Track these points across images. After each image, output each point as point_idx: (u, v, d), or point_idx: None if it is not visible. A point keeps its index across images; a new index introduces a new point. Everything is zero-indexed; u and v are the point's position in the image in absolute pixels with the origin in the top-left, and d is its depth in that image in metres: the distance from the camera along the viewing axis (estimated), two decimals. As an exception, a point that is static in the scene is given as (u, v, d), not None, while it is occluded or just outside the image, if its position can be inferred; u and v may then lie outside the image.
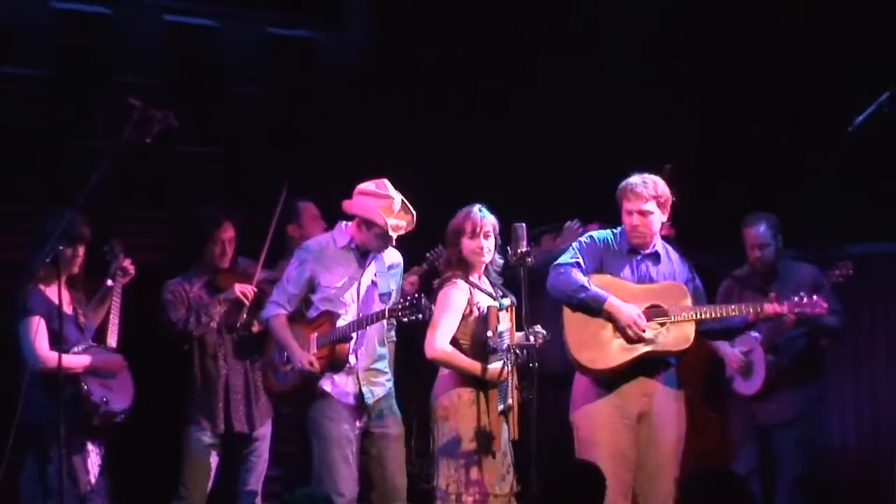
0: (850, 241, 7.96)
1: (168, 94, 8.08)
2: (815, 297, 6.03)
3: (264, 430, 6.55)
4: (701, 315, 5.87)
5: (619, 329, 5.84)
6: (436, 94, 8.56)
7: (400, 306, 5.74)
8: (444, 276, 5.86)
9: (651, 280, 5.97)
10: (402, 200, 5.95)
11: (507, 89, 8.75)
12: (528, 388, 5.56)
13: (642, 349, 5.84)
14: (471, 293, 5.81)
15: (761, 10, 8.19)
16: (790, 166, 8.18)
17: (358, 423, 5.98)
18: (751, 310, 5.99)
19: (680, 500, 4.76)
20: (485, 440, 5.72)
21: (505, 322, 5.78)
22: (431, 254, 6.83)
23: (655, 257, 6.01)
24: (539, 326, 5.61)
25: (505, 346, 5.67)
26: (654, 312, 5.85)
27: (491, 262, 5.90)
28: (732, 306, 6.01)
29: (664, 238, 6.18)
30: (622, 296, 5.86)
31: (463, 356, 5.78)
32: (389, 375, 6.13)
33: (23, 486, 6.09)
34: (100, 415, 6.07)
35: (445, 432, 5.77)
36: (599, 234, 6.08)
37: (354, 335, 5.93)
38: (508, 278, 5.92)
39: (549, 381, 5.79)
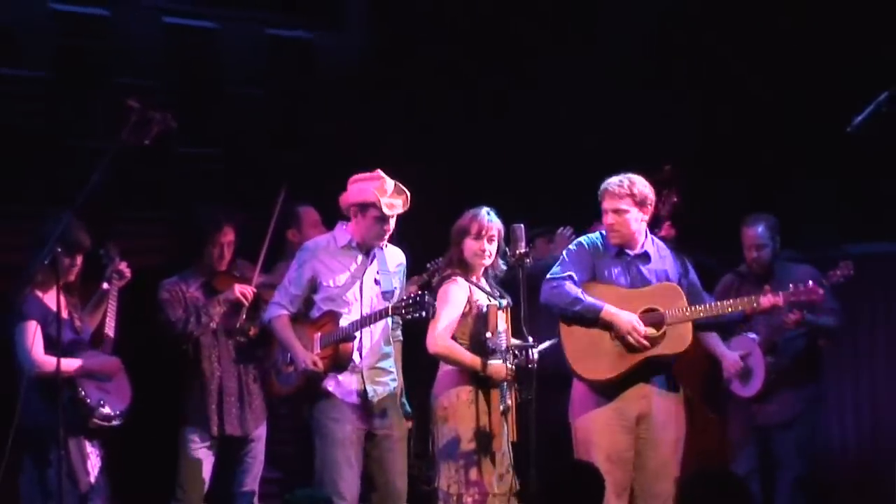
0: (849, 241, 7.96)
1: (167, 96, 8.06)
2: (810, 282, 5.99)
3: (259, 432, 6.54)
4: (697, 314, 5.86)
5: (619, 337, 5.83)
6: (435, 94, 8.55)
7: (403, 304, 5.72)
8: (444, 274, 5.86)
9: (644, 280, 5.96)
10: (396, 183, 5.94)
11: (507, 89, 8.75)
12: (527, 388, 5.57)
13: (642, 355, 5.83)
14: (470, 291, 5.82)
15: (761, 10, 8.18)
16: (789, 166, 8.18)
17: (362, 425, 5.95)
18: (747, 305, 5.96)
19: (680, 500, 4.76)
20: (484, 440, 5.73)
21: (502, 323, 5.78)
22: (432, 264, 6.79)
23: (645, 257, 6.00)
24: (535, 346, 5.60)
25: (503, 346, 5.68)
26: (650, 317, 5.84)
27: (492, 265, 5.90)
28: (728, 302, 5.98)
29: (664, 238, 6.18)
30: (617, 302, 5.85)
31: (465, 351, 5.79)
32: (394, 375, 6.10)
33: (22, 489, 6.10)
34: (97, 418, 6.07)
35: (445, 433, 5.78)
36: (587, 238, 6.08)
37: (358, 334, 5.91)
38: (508, 280, 5.91)
39: (548, 381, 5.80)
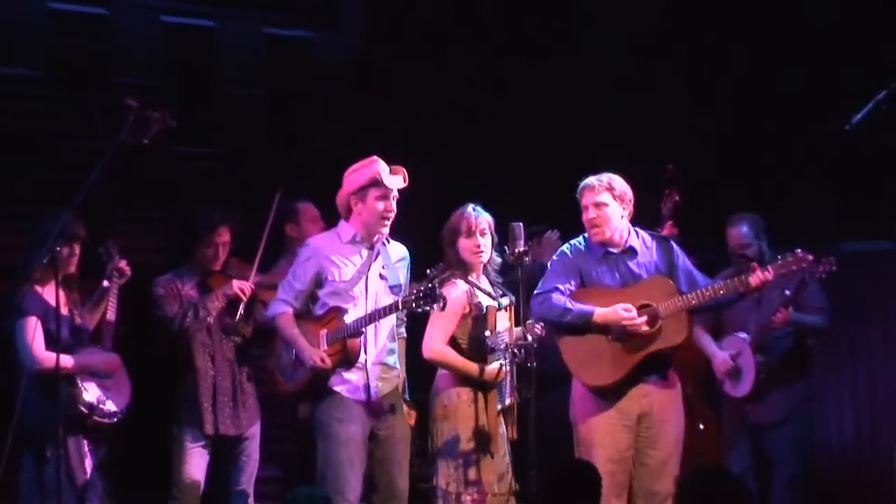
0: (846, 240, 7.97)
1: (165, 95, 8.08)
2: (798, 251, 5.89)
3: (253, 431, 6.54)
4: (690, 303, 5.84)
5: (617, 334, 5.82)
6: (433, 93, 8.56)
7: (413, 296, 5.67)
8: (443, 277, 5.86)
9: (634, 276, 5.95)
10: (392, 167, 5.95)
11: (506, 88, 8.75)
12: (527, 387, 5.57)
13: (642, 353, 5.83)
14: (470, 292, 5.82)
15: (761, 9, 8.19)
16: (789, 165, 8.19)
17: (366, 424, 5.92)
18: (738, 286, 5.91)
19: (679, 498, 4.76)
20: (484, 440, 5.73)
21: (504, 321, 5.78)
22: (432, 271, 6.77)
23: (631, 252, 5.99)
24: (534, 344, 5.60)
25: (503, 345, 5.68)
26: (644, 312, 5.83)
27: (489, 260, 5.90)
28: (719, 285, 5.90)
29: (666, 238, 6.17)
30: (609, 304, 5.84)
31: (459, 357, 5.78)
32: (398, 371, 6.07)
33: (21, 487, 6.10)
34: (97, 415, 6.08)
35: (444, 432, 5.78)
36: (569, 245, 6.06)
37: (365, 329, 5.88)
38: (510, 282, 5.91)
39: (548, 380, 5.80)
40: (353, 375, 5.93)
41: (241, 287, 6.41)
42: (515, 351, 5.60)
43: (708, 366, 7.08)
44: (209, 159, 8.57)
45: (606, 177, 5.96)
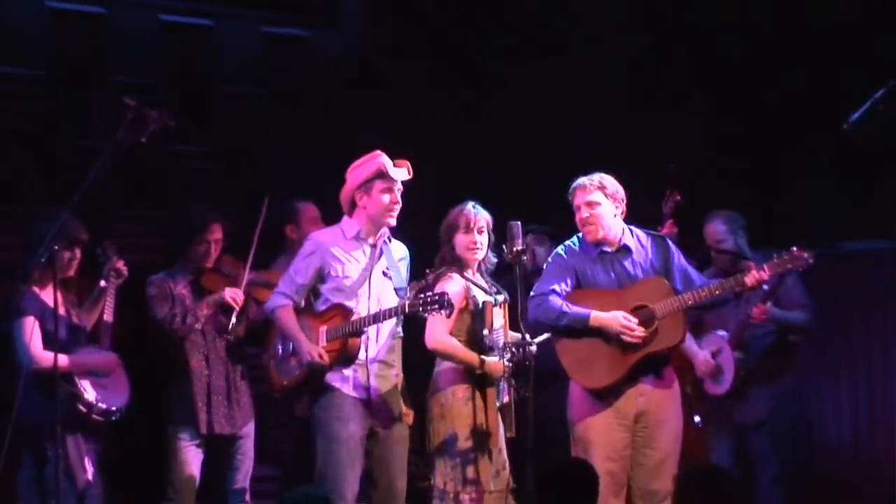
0: (846, 239, 7.97)
1: (163, 94, 8.08)
2: (794, 248, 5.83)
3: (248, 429, 6.53)
4: (686, 303, 5.83)
5: (613, 339, 5.82)
6: (431, 92, 8.56)
7: (421, 301, 5.63)
8: (439, 271, 5.86)
9: (629, 275, 5.92)
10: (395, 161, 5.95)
11: (505, 87, 8.75)
12: (524, 385, 5.56)
13: (638, 354, 5.82)
14: (466, 287, 5.82)
15: (761, 9, 8.19)
16: (788, 165, 8.19)
17: (365, 422, 5.89)
18: (733, 285, 5.89)
19: (677, 497, 4.76)
20: (481, 438, 5.72)
21: (498, 319, 5.78)
22: (431, 271, 6.76)
23: (626, 251, 5.96)
24: (532, 343, 5.59)
25: (501, 343, 5.68)
26: (640, 314, 5.81)
27: (484, 259, 5.90)
28: (715, 285, 5.86)
29: (662, 236, 6.16)
30: (605, 305, 5.82)
31: (462, 347, 5.78)
32: (397, 370, 6.05)
33: (20, 487, 6.09)
34: (95, 414, 6.08)
35: (441, 431, 5.77)
36: (563, 246, 6.04)
37: (367, 330, 5.85)
38: (507, 284, 5.91)
39: (545, 378, 5.80)
40: (353, 373, 5.90)
41: (234, 296, 6.38)
42: (513, 350, 5.59)
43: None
44: (207, 158, 8.58)
45: (598, 176, 5.95)
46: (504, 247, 5.68)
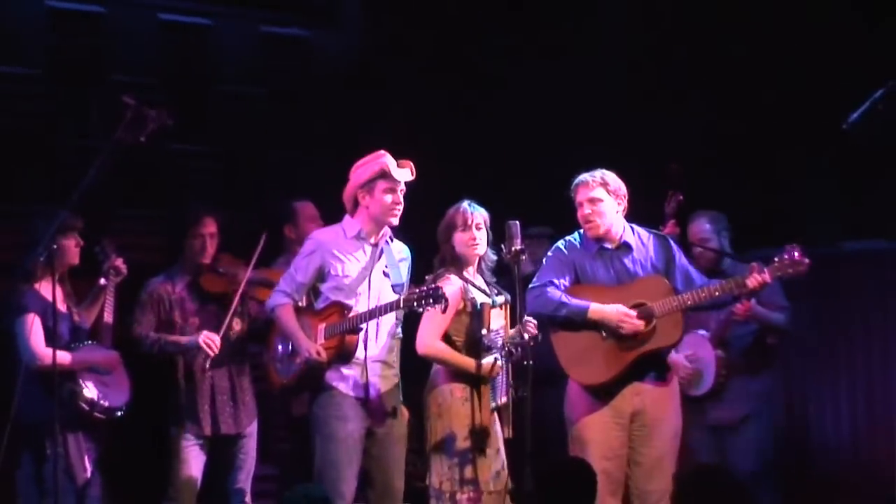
0: (846, 239, 7.96)
1: (162, 93, 8.08)
2: (795, 253, 5.81)
3: (251, 429, 6.52)
4: (685, 303, 5.82)
5: (612, 331, 5.81)
6: (431, 92, 8.56)
7: (416, 295, 5.64)
8: (438, 272, 5.86)
9: (629, 273, 5.92)
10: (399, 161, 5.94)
11: (505, 87, 8.75)
12: (523, 385, 5.56)
13: (635, 352, 5.82)
14: (464, 288, 5.81)
15: (762, 9, 8.19)
16: (788, 165, 8.18)
17: (364, 421, 5.89)
18: (734, 287, 5.88)
19: (676, 497, 4.75)
20: (478, 438, 5.71)
21: (499, 319, 5.78)
22: (431, 276, 6.75)
23: (626, 248, 5.96)
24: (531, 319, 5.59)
25: (499, 343, 5.67)
26: (639, 312, 5.81)
27: (484, 257, 5.90)
28: (715, 287, 5.86)
29: (663, 235, 6.16)
30: (603, 302, 5.81)
31: (454, 352, 5.77)
32: (396, 370, 6.04)
33: (19, 485, 6.09)
34: (97, 412, 6.08)
35: (439, 430, 5.76)
36: (563, 241, 6.04)
37: (364, 326, 5.84)
38: (507, 286, 5.91)
39: (544, 378, 5.79)
40: (352, 372, 5.89)
41: (207, 342, 6.32)
42: (511, 349, 5.59)
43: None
44: (205, 157, 8.58)
45: (600, 173, 5.95)
46: (503, 246, 5.68)
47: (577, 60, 8.57)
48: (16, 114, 8.11)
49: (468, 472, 5.69)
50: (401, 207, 5.94)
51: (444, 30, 8.70)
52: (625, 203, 5.96)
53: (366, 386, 5.89)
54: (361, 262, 5.96)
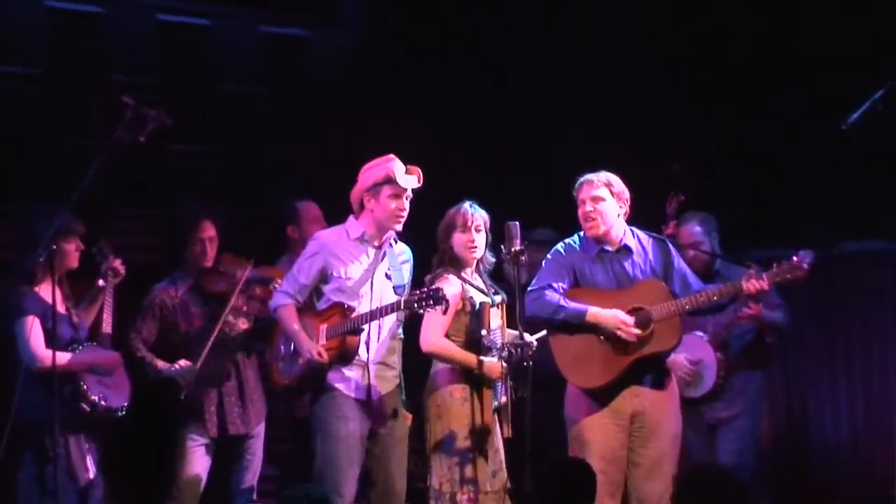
0: (845, 240, 7.96)
1: (161, 93, 8.08)
2: (793, 258, 5.80)
3: (259, 429, 6.52)
4: (683, 308, 5.82)
5: (609, 336, 5.81)
6: (429, 92, 8.55)
7: (416, 297, 5.62)
8: (436, 272, 5.85)
9: (628, 276, 5.91)
10: (408, 166, 5.92)
11: (503, 88, 8.74)
12: (522, 386, 5.56)
13: (633, 356, 5.81)
14: (462, 288, 5.81)
15: (761, 9, 8.19)
16: (787, 166, 8.18)
17: (366, 422, 5.88)
18: (731, 292, 5.88)
19: (676, 498, 4.75)
20: (478, 438, 5.71)
21: (497, 319, 5.77)
22: (429, 276, 6.75)
23: (626, 251, 5.95)
24: (530, 343, 5.58)
25: (499, 343, 5.67)
26: (637, 316, 5.80)
27: (482, 259, 5.89)
28: (714, 291, 5.85)
29: (663, 238, 6.15)
30: (601, 305, 5.81)
31: (458, 348, 5.78)
32: (398, 371, 6.03)
33: (20, 486, 6.08)
34: (98, 412, 6.08)
35: (438, 431, 5.76)
36: (563, 243, 6.03)
37: (366, 327, 5.84)
38: (507, 287, 5.90)
39: (543, 379, 5.78)
40: (353, 373, 5.89)
41: (179, 369, 6.31)
42: (511, 350, 5.58)
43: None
44: (205, 158, 8.58)
45: (605, 174, 5.95)
46: (503, 247, 5.68)
47: (578, 60, 8.57)
48: (15, 113, 8.11)
49: (468, 472, 5.69)
50: (405, 214, 5.92)
51: (443, 30, 8.70)
52: (626, 207, 5.95)
53: (367, 387, 5.88)
54: (364, 265, 5.95)
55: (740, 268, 6.43)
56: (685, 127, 8.28)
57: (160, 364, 6.35)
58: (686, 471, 5.63)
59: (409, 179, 5.89)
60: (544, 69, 8.62)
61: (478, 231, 5.85)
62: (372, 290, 5.91)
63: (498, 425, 5.79)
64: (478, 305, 5.78)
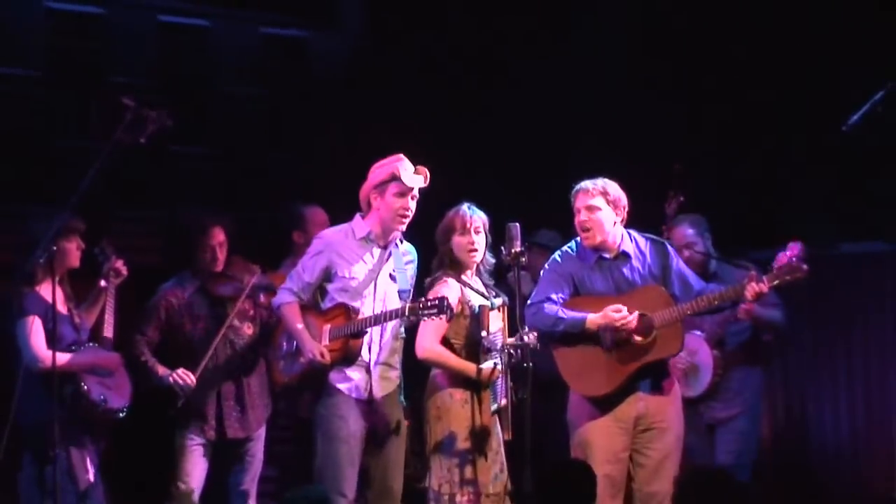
0: (844, 241, 7.97)
1: (161, 94, 8.09)
2: (793, 259, 5.78)
3: (260, 432, 6.51)
4: (685, 312, 5.81)
5: (612, 340, 5.78)
6: (430, 92, 8.55)
7: (421, 305, 5.60)
8: (435, 276, 5.84)
9: (628, 282, 5.89)
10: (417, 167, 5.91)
11: (502, 88, 8.74)
12: (522, 388, 5.55)
13: (636, 364, 5.80)
14: (462, 292, 5.80)
15: (761, 10, 8.19)
16: (787, 167, 8.19)
17: (365, 422, 5.87)
18: (732, 295, 5.87)
19: (677, 499, 4.75)
20: (478, 440, 5.70)
21: (497, 322, 5.76)
22: (429, 279, 6.74)
23: (625, 257, 5.93)
24: (530, 344, 5.57)
25: (499, 345, 5.66)
26: (639, 323, 5.79)
27: (482, 261, 5.88)
28: (714, 295, 5.83)
29: (660, 240, 6.14)
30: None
31: (454, 356, 5.76)
32: (399, 371, 6.02)
33: (21, 487, 6.07)
34: (99, 413, 6.08)
35: (438, 432, 5.75)
36: (560, 252, 6.01)
37: (370, 331, 5.83)
38: (507, 290, 5.90)
39: (544, 381, 5.78)
40: (355, 374, 5.87)
41: (177, 379, 6.28)
42: (511, 352, 5.57)
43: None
44: (205, 158, 8.58)
45: (602, 181, 5.91)
46: (503, 248, 5.67)
47: (579, 61, 8.57)
48: (15, 114, 8.11)
49: (467, 474, 5.68)
50: (410, 214, 5.88)
51: (443, 30, 8.70)
52: (623, 214, 5.91)
53: (369, 388, 5.88)
54: (369, 265, 5.92)
55: (736, 268, 6.45)
56: (685, 127, 8.28)
57: (161, 370, 6.34)
58: (687, 472, 5.63)
59: (416, 179, 5.86)
60: (544, 69, 8.63)
61: (477, 233, 5.84)
62: (375, 291, 5.90)
63: (498, 427, 5.79)
64: (476, 309, 5.77)
